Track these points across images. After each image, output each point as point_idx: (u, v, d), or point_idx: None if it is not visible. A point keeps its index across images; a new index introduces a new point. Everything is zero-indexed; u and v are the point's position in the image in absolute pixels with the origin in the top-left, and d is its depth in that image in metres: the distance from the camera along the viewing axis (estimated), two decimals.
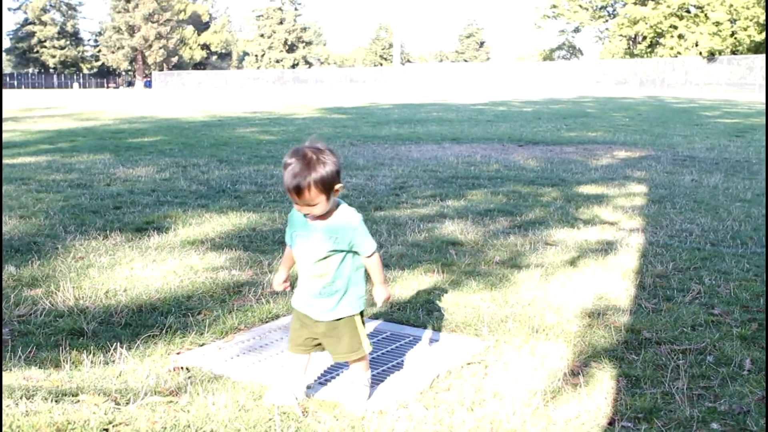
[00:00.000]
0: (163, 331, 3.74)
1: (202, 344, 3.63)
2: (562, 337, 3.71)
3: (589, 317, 4.04)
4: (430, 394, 3.08)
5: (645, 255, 5.35)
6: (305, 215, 2.82)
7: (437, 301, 4.29)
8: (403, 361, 3.45)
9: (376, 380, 3.21)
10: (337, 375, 3.28)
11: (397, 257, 5.23)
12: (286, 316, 4.05)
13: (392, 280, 4.67)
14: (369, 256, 2.90)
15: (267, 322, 3.97)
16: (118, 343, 3.52)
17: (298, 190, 2.70)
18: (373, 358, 3.48)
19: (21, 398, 2.80)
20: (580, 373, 3.28)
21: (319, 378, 3.25)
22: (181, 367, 3.28)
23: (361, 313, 2.98)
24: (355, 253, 2.89)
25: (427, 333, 3.81)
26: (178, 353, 3.50)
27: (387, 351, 3.57)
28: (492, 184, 8.65)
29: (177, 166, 10.17)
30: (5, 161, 10.58)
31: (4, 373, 3.12)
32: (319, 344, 3.00)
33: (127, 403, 2.85)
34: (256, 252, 5.34)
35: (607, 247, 5.58)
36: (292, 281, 3.11)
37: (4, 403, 2.75)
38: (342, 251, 2.85)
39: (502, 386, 3.14)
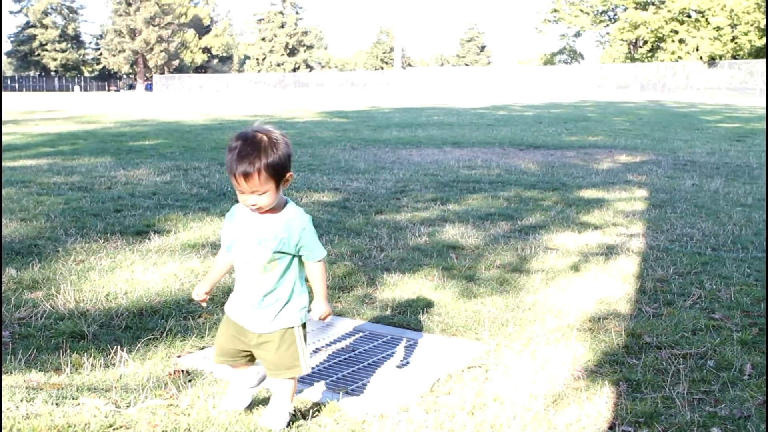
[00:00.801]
0: (164, 334, 3.74)
1: (203, 347, 3.63)
2: (562, 342, 3.71)
3: (589, 321, 4.04)
4: (431, 398, 3.08)
5: (646, 259, 5.35)
6: (252, 209, 2.58)
7: (438, 305, 4.29)
8: (403, 364, 3.44)
9: (377, 384, 3.21)
10: (338, 377, 3.28)
11: (398, 261, 5.24)
12: None
13: (393, 284, 4.67)
14: (317, 262, 2.67)
15: None
16: (119, 346, 3.52)
17: (246, 175, 2.46)
18: (374, 361, 3.48)
19: (21, 401, 2.80)
20: (581, 377, 3.28)
21: (318, 379, 3.24)
22: (182, 370, 3.28)
23: (304, 326, 2.74)
24: (300, 258, 2.67)
25: (428, 337, 3.81)
26: (178, 356, 3.50)
27: (387, 354, 3.57)
28: (493, 188, 8.66)
29: (178, 170, 10.17)
30: (6, 164, 10.59)
31: (4, 376, 3.12)
32: (250, 356, 2.79)
33: (127, 406, 2.85)
34: None
35: (607, 252, 5.58)
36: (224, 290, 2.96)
37: (5, 405, 2.75)
38: (287, 254, 2.62)
39: (503, 390, 3.13)
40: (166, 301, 4.25)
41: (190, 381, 3.17)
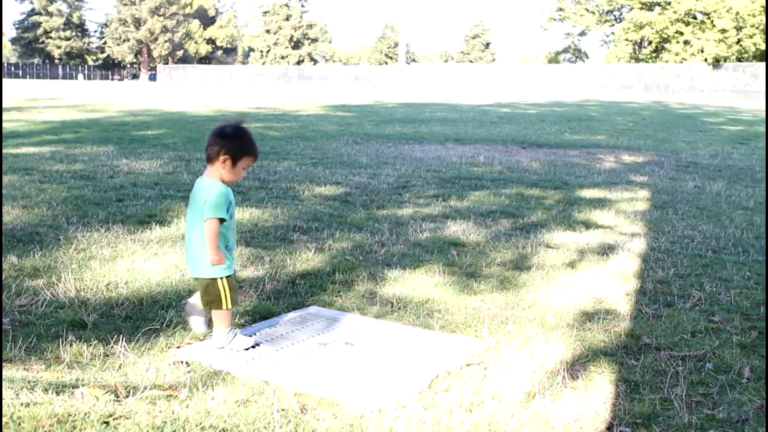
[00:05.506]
0: (164, 325, 3.75)
1: (203, 338, 3.63)
2: (561, 341, 3.72)
3: (589, 321, 4.04)
4: (429, 395, 3.08)
5: (646, 260, 5.35)
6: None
7: (438, 302, 4.29)
8: (402, 360, 3.45)
9: (376, 379, 3.21)
10: (335, 370, 3.29)
11: (399, 256, 5.24)
12: (287, 312, 4.05)
13: (394, 280, 4.67)
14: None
15: (267, 317, 3.97)
16: (119, 336, 3.53)
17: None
18: (372, 357, 3.48)
19: (21, 389, 2.80)
20: (580, 376, 3.29)
21: (316, 372, 3.25)
22: (181, 361, 3.28)
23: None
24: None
25: (427, 333, 3.82)
26: (178, 347, 3.50)
27: (386, 350, 3.57)
28: (495, 186, 8.65)
29: (180, 160, 10.17)
30: (9, 151, 10.59)
31: (4, 364, 3.13)
32: None
33: (126, 396, 2.85)
34: (258, 248, 5.34)
35: (608, 252, 5.58)
36: None
37: (5, 394, 2.76)
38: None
39: (501, 388, 3.14)
40: (166, 292, 4.26)
41: (189, 372, 3.18)
